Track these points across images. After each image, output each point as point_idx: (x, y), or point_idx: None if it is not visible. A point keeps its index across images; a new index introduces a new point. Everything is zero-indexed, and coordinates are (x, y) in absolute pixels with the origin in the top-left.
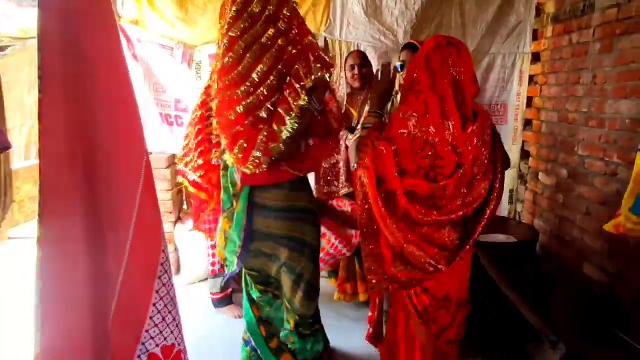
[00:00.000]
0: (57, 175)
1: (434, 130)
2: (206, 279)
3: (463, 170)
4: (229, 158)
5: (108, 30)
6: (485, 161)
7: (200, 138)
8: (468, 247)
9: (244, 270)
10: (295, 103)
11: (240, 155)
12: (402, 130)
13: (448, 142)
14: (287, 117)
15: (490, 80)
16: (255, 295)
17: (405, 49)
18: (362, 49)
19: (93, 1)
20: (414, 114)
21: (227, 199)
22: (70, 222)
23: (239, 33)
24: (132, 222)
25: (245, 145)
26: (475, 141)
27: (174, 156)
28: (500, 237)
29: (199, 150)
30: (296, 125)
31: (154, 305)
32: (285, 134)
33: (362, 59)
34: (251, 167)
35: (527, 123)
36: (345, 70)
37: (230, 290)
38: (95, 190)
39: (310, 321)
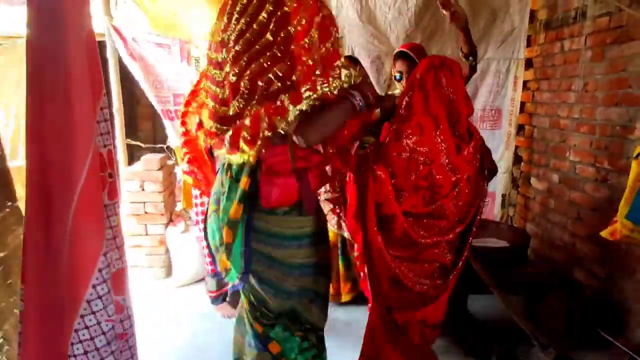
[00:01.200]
0: (43, 179)
1: (429, 151)
2: (198, 281)
3: (458, 189)
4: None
5: (84, 33)
6: (474, 179)
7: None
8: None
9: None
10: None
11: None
12: (397, 152)
13: (444, 162)
14: (305, 97)
15: (484, 85)
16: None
17: (399, 58)
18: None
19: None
20: (410, 136)
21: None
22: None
23: (244, 47)
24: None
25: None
26: (471, 160)
27: (165, 157)
28: (492, 241)
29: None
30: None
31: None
32: (293, 112)
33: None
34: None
35: (520, 128)
36: None
37: (226, 288)
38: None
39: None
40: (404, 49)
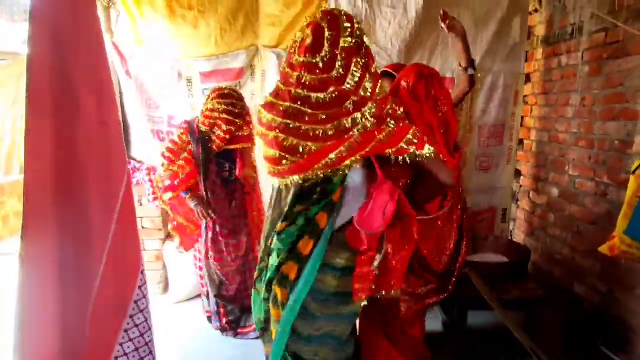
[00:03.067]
0: (41, 194)
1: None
2: (195, 297)
3: (449, 199)
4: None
5: (95, 52)
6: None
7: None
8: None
9: None
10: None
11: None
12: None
13: None
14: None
15: (494, 100)
16: None
17: (384, 77)
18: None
19: (82, 22)
20: None
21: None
22: (49, 242)
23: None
24: (105, 251)
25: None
26: (458, 172)
27: None
28: (492, 257)
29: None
30: None
31: (121, 345)
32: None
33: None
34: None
35: (519, 143)
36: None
37: None
38: (74, 213)
39: None
40: (388, 69)
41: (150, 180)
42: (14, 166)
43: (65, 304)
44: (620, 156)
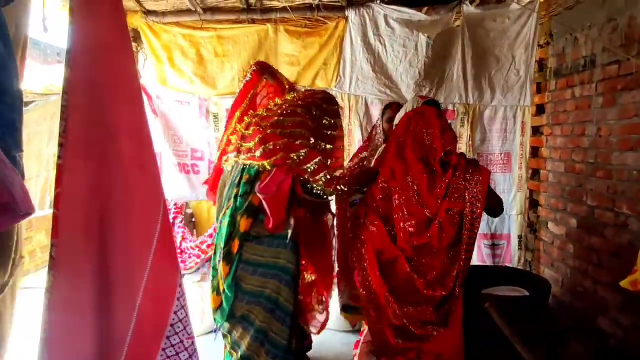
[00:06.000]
0: (72, 239)
1: (401, 190)
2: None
3: (438, 223)
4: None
5: (133, 101)
6: (457, 209)
7: None
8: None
9: None
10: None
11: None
12: (380, 196)
13: (414, 200)
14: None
15: (493, 131)
16: None
17: (389, 108)
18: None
19: (121, 73)
20: (383, 179)
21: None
22: (82, 285)
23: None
24: (141, 286)
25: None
26: (443, 195)
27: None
28: (512, 290)
29: None
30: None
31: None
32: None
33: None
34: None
35: (535, 173)
36: (382, 121)
37: None
38: (108, 253)
39: None
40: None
41: (175, 219)
42: (46, 202)
43: (100, 339)
44: (639, 187)
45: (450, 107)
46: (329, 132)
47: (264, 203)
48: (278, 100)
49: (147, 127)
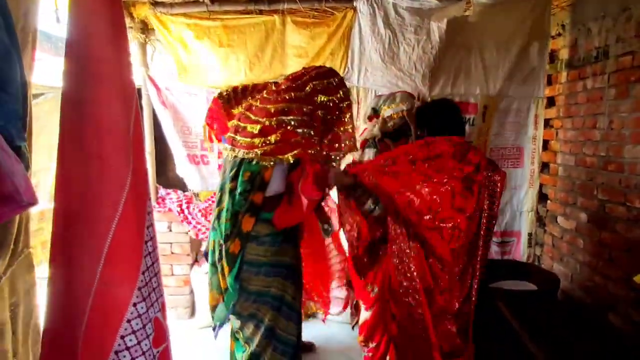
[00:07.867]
0: (60, 230)
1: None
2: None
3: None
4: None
5: (122, 95)
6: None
7: None
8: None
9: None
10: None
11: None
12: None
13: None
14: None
15: (506, 124)
16: None
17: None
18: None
19: (112, 66)
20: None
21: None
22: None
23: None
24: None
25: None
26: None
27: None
28: (521, 285)
29: None
30: None
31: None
32: None
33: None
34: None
35: (544, 166)
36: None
37: None
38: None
39: None
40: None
41: (180, 206)
42: None
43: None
44: None
45: (472, 100)
46: (336, 113)
47: (304, 205)
48: (273, 87)
49: (130, 123)
